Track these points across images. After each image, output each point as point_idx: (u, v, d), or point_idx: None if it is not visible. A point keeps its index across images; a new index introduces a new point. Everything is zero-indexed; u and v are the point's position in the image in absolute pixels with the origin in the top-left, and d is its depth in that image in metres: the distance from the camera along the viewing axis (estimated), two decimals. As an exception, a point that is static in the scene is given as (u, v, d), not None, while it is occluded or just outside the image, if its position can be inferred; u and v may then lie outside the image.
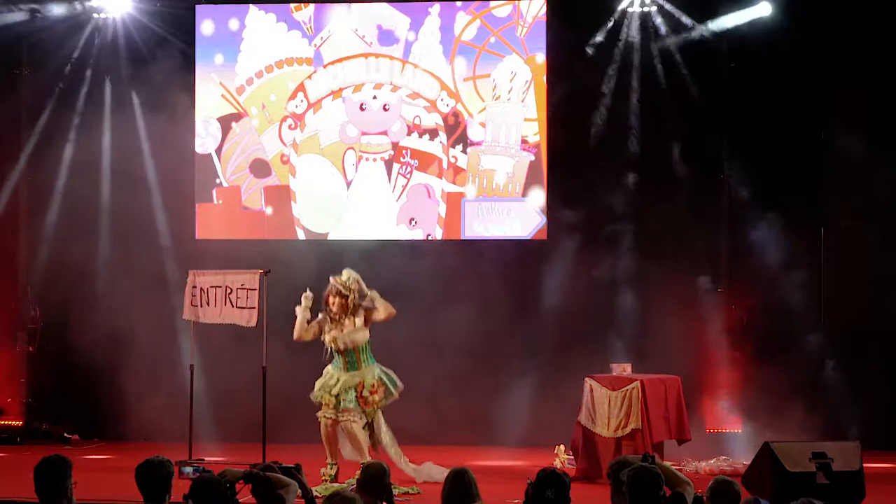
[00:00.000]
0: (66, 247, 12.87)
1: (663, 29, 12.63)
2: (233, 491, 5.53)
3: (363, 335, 10.01)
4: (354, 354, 9.99)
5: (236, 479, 5.57)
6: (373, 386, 9.93)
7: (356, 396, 9.90)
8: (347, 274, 10.07)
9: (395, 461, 9.89)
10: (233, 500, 5.50)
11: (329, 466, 9.96)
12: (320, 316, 10.08)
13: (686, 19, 12.56)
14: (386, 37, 13.01)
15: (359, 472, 6.59)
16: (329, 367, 10.11)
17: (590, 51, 12.64)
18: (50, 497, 5.43)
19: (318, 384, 10.08)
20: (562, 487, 5.36)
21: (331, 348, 10.02)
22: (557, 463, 10.45)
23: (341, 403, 9.91)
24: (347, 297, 9.96)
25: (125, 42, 13.18)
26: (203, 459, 10.63)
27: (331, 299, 10.01)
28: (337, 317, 9.98)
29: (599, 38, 12.67)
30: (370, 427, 10.00)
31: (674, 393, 10.55)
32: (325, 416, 9.98)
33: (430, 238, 12.94)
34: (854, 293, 12.36)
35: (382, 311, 10.04)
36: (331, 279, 10.06)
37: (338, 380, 9.97)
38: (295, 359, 11.09)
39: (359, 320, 9.98)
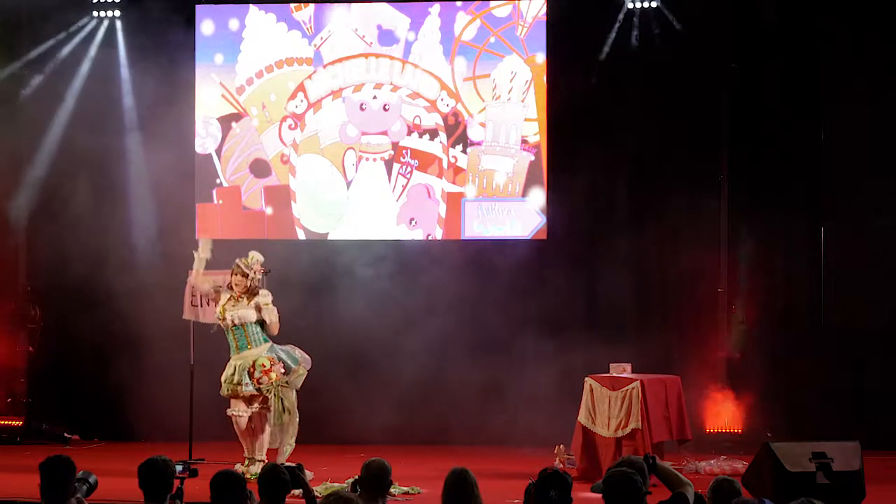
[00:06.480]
0: (66, 247, 12.86)
1: (664, 29, 12.62)
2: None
3: (253, 314, 10.24)
4: (244, 330, 10.20)
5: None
6: (263, 365, 10.11)
7: (250, 379, 10.10)
8: (252, 255, 10.35)
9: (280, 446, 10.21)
10: (248, 495, 5.53)
11: (247, 462, 10.19)
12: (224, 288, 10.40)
13: (686, 20, 12.56)
14: (386, 37, 13.02)
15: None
16: (230, 361, 10.32)
17: (603, 52, 12.62)
18: (54, 497, 5.44)
19: (223, 378, 10.28)
20: (565, 488, 5.35)
21: (220, 323, 10.27)
22: (557, 463, 10.45)
23: (243, 389, 10.13)
24: (248, 275, 10.23)
25: (125, 42, 13.21)
26: (203, 460, 10.63)
27: (233, 279, 10.29)
28: (238, 296, 10.25)
29: (600, 38, 12.68)
30: (281, 406, 10.15)
31: (674, 393, 10.55)
32: (234, 413, 10.22)
33: (430, 238, 12.94)
34: (854, 293, 12.36)
35: (268, 315, 10.23)
36: (237, 261, 10.33)
37: (234, 368, 10.21)
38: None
39: (253, 305, 10.22)
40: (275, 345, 10.35)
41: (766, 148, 12.50)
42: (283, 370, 10.16)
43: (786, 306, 12.40)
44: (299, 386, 10.36)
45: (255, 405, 10.20)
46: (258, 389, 10.10)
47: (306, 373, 10.38)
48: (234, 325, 10.22)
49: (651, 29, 12.63)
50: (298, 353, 10.41)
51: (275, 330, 10.27)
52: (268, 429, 10.20)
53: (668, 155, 12.52)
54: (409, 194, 12.93)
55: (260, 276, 10.32)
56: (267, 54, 13.12)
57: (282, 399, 10.16)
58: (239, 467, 9.88)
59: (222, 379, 10.28)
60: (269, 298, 10.28)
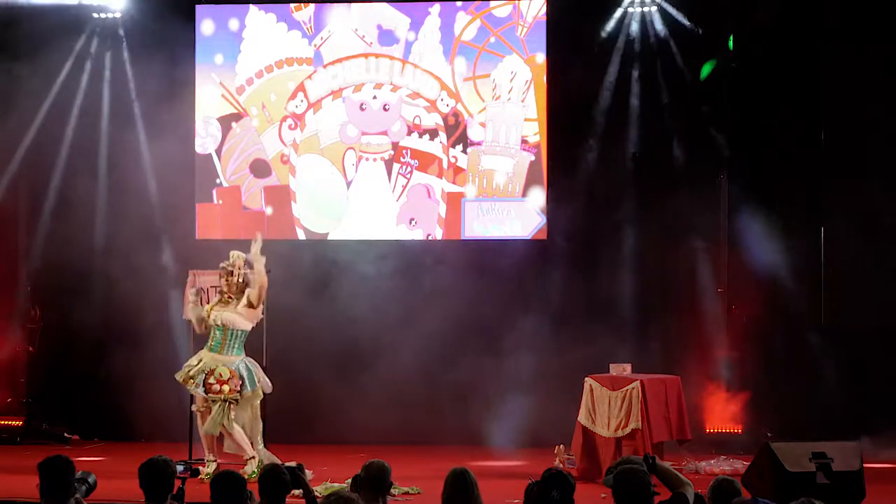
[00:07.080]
0: (67, 247, 12.86)
1: (663, 29, 12.63)
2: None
3: (242, 322, 10.28)
4: (223, 333, 10.25)
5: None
6: (220, 375, 10.15)
7: (203, 381, 10.17)
8: (233, 254, 10.42)
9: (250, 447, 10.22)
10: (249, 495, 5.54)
11: (207, 464, 10.20)
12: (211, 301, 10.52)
13: (686, 19, 12.56)
14: (386, 37, 13.02)
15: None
16: (203, 351, 10.40)
17: (596, 47, 12.62)
18: (54, 497, 5.44)
19: (188, 362, 10.41)
20: (567, 489, 5.35)
21: (208, 320, 10.32)
22: (557, 463, 10.45)
23: (191, 388, 10.24)
24: (233, 272, 10.32)
25: (125, 42, 13.21)
26: (203, 460, 10.63)
27: (222, 282, 10.38)
28: (228, 297, 10.34)
29: (600, 37, 12.69)
30: (221, 417, 10.20)
31: (674, 393, 10.55)
32: (198, 410, 10.32)
33: (430, 238, 12.94)
34: (854, 293, 12.35)
35: (256, 292, 10.25)
36: (221, 265, 10.41)
37: (199, 360, 10.29)
38: (294, 358, 11.09)
39: (243, 305, 10.26)
40: (245, 360, 10.36)
41: (766, 148, 12.50)
42: (238, 387, 10.19)
43: (786, 306, 12.39)
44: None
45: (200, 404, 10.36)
46: (205, 396, 10.17)
47: (263, 396, 10.38)
48: (217, 325, 10.29)
49: (651, 29, 12.64)
50: (261, 375, 10.41)
51: (254, 298, 10.25)
52: (236, 427, 10.20)
53: (668, 154, 12.52)
54: (409, 194, 12.93)
55: (245, 271, 10.37)
56: (267, 54, 13.12)
57: (223, 412, 10.17)
58: (202, 470, 9.96)
59: (187, 363, 10.40)
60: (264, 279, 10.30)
